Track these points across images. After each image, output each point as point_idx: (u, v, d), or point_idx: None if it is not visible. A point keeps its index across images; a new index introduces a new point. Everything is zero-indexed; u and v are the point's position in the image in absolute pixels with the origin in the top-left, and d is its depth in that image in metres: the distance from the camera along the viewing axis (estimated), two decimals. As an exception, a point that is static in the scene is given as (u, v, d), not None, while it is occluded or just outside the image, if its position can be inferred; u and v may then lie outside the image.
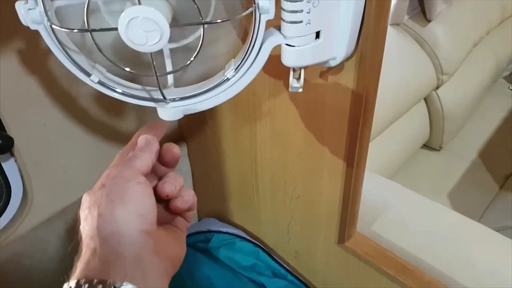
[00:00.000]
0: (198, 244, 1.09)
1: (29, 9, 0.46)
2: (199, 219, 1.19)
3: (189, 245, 1.09)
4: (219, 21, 0.47)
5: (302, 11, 0.48)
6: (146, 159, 0.47)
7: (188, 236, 1.13)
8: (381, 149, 1.56)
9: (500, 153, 1.88)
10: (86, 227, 0.43)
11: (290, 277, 1.00)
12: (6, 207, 0.78)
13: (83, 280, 0.38)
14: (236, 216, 1.10)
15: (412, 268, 0.78)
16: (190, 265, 1.03)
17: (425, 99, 1.80)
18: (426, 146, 1.92)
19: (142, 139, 0.50)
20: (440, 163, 1.87)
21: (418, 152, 1.89)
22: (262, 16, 0.47)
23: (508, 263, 0.79)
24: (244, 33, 0.55)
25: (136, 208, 0.43)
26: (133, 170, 0.46)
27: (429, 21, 1.66)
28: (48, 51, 0.65)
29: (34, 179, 0.79)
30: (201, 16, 0.46)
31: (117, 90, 0.52)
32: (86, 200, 0.45)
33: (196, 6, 0.45)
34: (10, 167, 0.75)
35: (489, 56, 2.03)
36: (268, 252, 1.04)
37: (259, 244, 1.05)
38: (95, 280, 0.38)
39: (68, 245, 0.90)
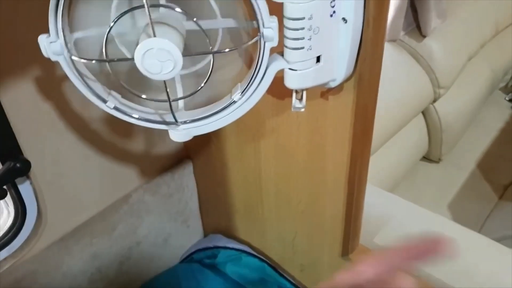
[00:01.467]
0: (205, 260, 1.12)
1: (51, 42, 0.49)
2: (205, 235, 1.22)
3: (196, 261, 1.12)
4: (227, 50, 0.51)
5: (303, 38, 0.51)
6: None
7: (195, 252, 1.15)
8: (381, 162, 1.59)
9: (498, 163, 1.91)
10: None
11: (296, 290, 1.02)
12: (22, 228, 0.81)
13: None
14: (241, 232, 1.13)
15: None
16: (199, 281, 1.05)
17: (423, 113, 1.83)
18: (426, 158, 1.94)
19: None
20: (439, 174, 1.90)
21: (418, 164, 1.91)
22: (266, 44, 0.51)
23: (508, 273, 0.82)
24: (249, 59, 0.58)
25: None
26: None
27: (424, 36, 1.70)
28: (62, 78, 0.69)
29: (48, 200, 0.82)
30: (211, 46, 0.49)
31: (133, 115, 0.56)
32: None
33: (206, 36, 0.48)
34: (25, 189, 0.78)
35: (484, 68, 2.07)
36: (274, 266, 1.06)
37: (264, 259, 1.07)
38: None
39: (80, 262, 0.93)
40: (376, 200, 0.99)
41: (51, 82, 0.72)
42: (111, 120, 0.83)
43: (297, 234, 0.95)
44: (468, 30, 1.90)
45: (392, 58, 1.65)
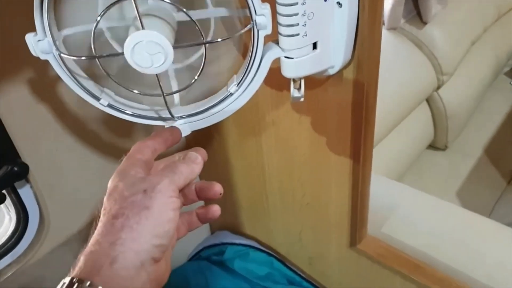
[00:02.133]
0: (213, 257, 1.11)
1: (39, 40, 0.48)
2: (212, 233, 1.21)
3: (204, 258, 1.11)
4: (219, 40, 0.49)
5: (298, 24, 0.50)
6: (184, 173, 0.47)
7: (202, 249, 1.15)
8: (386, 152, 1.58)
9: (505, 148, 1.89)
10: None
11: (305, 283, 1.02)
12: (25, 232, 0.81)
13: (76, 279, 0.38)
14: (248, 227, 1.12)
15: (424, 266, 0.79)
16: (207, 278, 1.04)
17: (427, 100, 1.81)
18: (432, 146, 1.92)
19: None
20: (446, 162, 1.88)
21: (424, 153, 1.89)
22: (260, 32, 0.49)
23: (519, 256, 0.80)
24: (244, 49, 0.57)
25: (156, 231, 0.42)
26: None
27: (425, 23, 1.68)
28: (56, 79, 0.68)
29: (50, 203, 0.81)
30: (202, 36, 0.48)
31: (126, 111, 0.55)
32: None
33: (197, 26, 0.47)
34: (26, 193, 0.77)
35: (488, 53, 2.04)
36: (282, 260, 1.05)
37: (272, 253, 1.06)
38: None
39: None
40: (383, 189, 0.97)
41: (45, 83, 0.71)
42: (108, 120, 0.82)
43: (304, 226, 0.94)
44: (470, 15, 1.88)
45: (394, 46, 1.64)
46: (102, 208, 0.44)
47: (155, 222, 0.42)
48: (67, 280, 0.39)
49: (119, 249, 0.40)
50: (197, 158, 0.49)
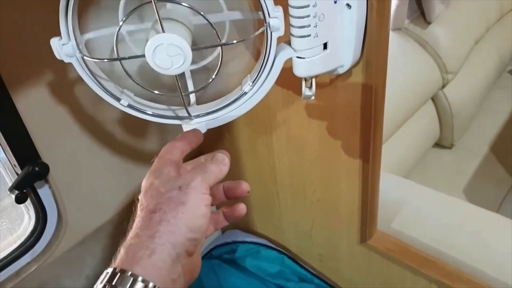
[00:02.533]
0: (225, 256, 1.13)
1: (63, 44, 0.51)
2: (223, 232, 1.23)
3: (216, 257, 1.13)
4: (235, 41, 0.51)
5: (309, 25, 0.52)
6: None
7: (214, 248, 1.16)
8: (393, 150, 1.59)
9: (511, 145, 1.90)
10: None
11: (316, 280, 1.03)
12: (43, 231, 0.83)
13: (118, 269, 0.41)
14: (259, 226, 1.14)
15: (433, 260, 0.81)
16: (219, 277, 1.06)
17: (433, 99, 1.83)
18: (438, 144, 1.94)
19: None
20: (452, 160, 1.89)
21: (430, 151, 1.91)
22: (273, 34, 0.51)
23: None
24: (256, 52, 0.59)
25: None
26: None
27: (429, 23, 1.70)
28: (74, 81, 0.70)
29: (67, 202, 0.84)
30: (220, 38, 0.50)
31: (147, 112, 0.57)
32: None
33: (214, 29, 0.49)
34: (45, 193, 0.80)
35: (491, 51, 2.06)
36: (293, 258, 1.07)
37: (283, 251, 1.08)
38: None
39: (102, 263, 0.94)
40: (391, 186, 0.99)
41: (65, 85, 0.73)
42: (125, 121, 0.85)
43: (314, 223, 0.96)
44: (473, 14, 1.89)
45: (398, 46, 1.65)
46: (139, 204, 0.46)
47: (190, 217, 0.44)
48: (110, 270, 0.41)
49: (157, 242, 0.42)
50: (224, 159, 0.52)
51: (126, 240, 0.44)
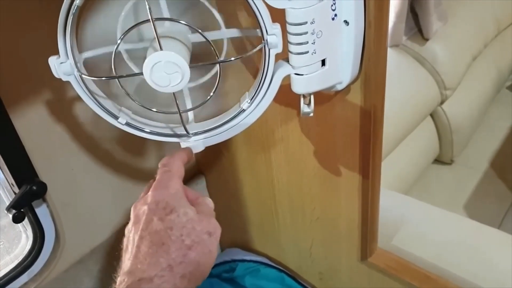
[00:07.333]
0: (224, 275, 1.11)
1: (61, 62, 0.51)
2: (222, 250, 1.22)
3: (215, 275, 1.12)
4: (233, 59, 0.51)
5: (307, 42, 0.52)
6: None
7: (213, 267, 1.15)
8: (393, 167, 1.59)
9: (511, 161, 1.89)
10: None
11: (316, 298, 1.02)
12: (41, 251, 0.82)
13: None
14: (258, 244, 1.13)
15: (435, 277, 0.80)
16: (218, 296, 1.05)
17: (432, 115, 1.83)
18: (438, 160, 1.93)
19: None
20: (452, 176, 1.88)
21: (430, 167, 1.90)
22: (271, 51, 0.51)
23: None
24: (254, 70, 0.59)
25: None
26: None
27: (426, 39, 1.71)
28: (72, 100, 0.70)
29: (65, 222, 0.83)
30: (217, 56, 0.50)
31: (145, 130, 0.57)
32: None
33: (212, 47, 0.49)
34: (42, 212, 0.79)
35: (489, 67, 2.06)
36: (293, 276, 1.06)
37: (283, 269, 1.07)
38: None
39: (100, 283, 0.93)
40: (391, 203, 0.98)
41: (63, 104, 0.73)
42: (122, 139, 0.85)
43: (314, 241, 0.95)
44: (470, 30, 1.90)
45: (396, 63, 1.66)
46: (169, 229, 0.46)
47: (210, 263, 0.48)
48: None
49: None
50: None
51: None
